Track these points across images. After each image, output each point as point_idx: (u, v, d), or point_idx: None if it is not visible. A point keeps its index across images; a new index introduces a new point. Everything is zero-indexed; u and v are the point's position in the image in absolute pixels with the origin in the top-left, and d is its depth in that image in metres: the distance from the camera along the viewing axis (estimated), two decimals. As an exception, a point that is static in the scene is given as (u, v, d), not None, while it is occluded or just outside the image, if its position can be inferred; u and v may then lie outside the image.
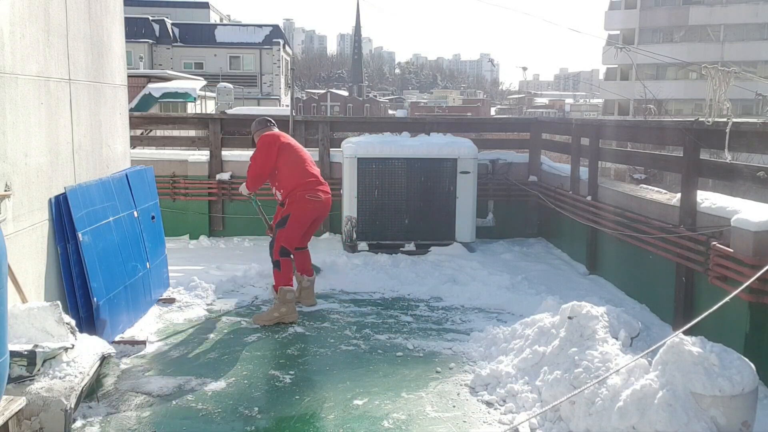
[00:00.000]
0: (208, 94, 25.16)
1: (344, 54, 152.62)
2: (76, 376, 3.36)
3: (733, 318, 4.19)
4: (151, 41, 41.25)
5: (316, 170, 5.64)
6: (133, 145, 6.97)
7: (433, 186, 7.21)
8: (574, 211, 6.93)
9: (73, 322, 3.72)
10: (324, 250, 7.23)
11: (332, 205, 7.93)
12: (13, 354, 3.19)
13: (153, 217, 5.63)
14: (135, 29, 38.16)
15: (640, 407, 3.15)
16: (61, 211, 4.20)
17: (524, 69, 79.68)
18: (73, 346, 3.51)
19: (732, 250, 4.25)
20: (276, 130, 5.70)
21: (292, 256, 5.52)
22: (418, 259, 6.89)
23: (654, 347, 3.29)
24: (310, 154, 5.80)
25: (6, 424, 2.91)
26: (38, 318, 3.53)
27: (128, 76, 5.87)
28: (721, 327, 4.27)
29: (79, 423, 3.54)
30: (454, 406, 3.85)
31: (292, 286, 5.33)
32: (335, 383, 4.12)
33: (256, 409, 3.78)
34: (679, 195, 5.17)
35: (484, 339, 4.68)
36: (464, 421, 3.68)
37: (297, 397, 3.94)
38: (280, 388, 4.07)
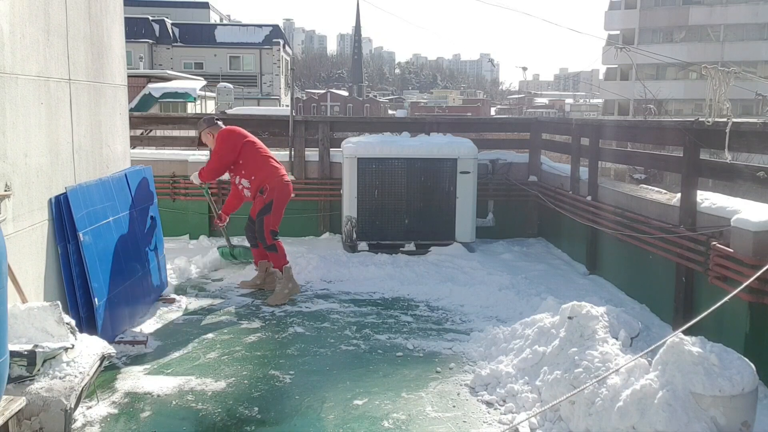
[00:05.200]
0: (208, 94, 25.16)
1: (344, 54, 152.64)
2: (76, 376, 3.36)
3: (733, 318, 4.19)
4: (151, 41, 41.26)
5: (275, 157, 6.11)
6: (133, 145, 6.97)
7: (433, 186, 7.21)
8: (574, 211, 6.93)
9: (73, 322, 3.71)
10: (324, 250, 7.23)
11: (332, 205, 8.07)
12: (13, 354, 3.19)
13: (152, 217, 5.63)
14: (135, 29, 38.17)
15: (640, 407, 3.15)
16: (61, 211, 4.20)
17: (524, 69, 79.51)
18: (73, 346, 3.51)
19: (732, 250, 4.25)
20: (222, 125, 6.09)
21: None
22: (418, 259, 6.89)
23: (654, 347, 3.29)
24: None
25: (6, 424, 2.91)
26: (38, 318, 3.52)
27: (128, 76, 5.86)
28: (721, 327, 4.27)
29: (79, 423, 3.54)
30: (454, 406, 3.85)
31: (288, 263, 5.87)
32: (335, 383, 4.12)
33: (256, 409, 3.78)
34: (679, 195, 5.17)
35: (484, 339, 4.68)
36: (464, 421, 3.68)
37: (297, 397, 3.94)
38: (280, 388, 4.07)
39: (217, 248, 6.85)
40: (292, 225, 7.75)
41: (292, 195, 6.08)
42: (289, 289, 5.76)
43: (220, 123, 6.09)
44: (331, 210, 8.18)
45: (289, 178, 6.06)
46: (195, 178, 6.04)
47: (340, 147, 7.73)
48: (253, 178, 5.87)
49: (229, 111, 19.77)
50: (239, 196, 6.16)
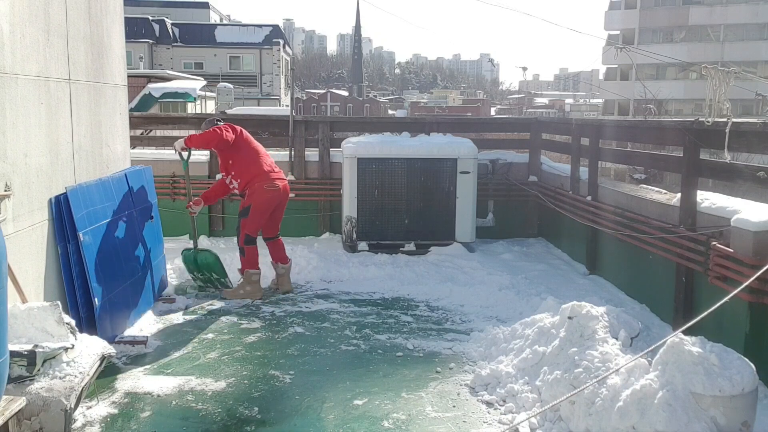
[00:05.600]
0: (208, 94, 25.14)
1: (344, 54, 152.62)
2: (76, 376, 3.36)
3: (733, 318, 4.19)
4: (151, 41, 41.25)
5: (272, 161, 5.97)
6: (133, 145, 6.97)
7: (433, 186, 7.21)
8: (574, 211, 6.93)
9: (73, 322, 3.71)
10: (324, 250, 7.23)
11: (332, 205, 8.06)
12: (13, 354, 3.19)
13: (152, 217, 5.63)
14: (135, 29, 38.16)
15: (640, 407, 3.15)
16: (61, 211, 4.20)
17: (524, 69, 79.54)
18: (73, 346, 3.51)
19: (732, 250, 4.25)
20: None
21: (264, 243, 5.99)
22: (418, 259, 6.89)
23: (654, 347, 3.29)
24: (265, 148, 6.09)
25: (6, 424, 2.91)
26: (38, 318, 3.52)
27: (128, 76, 5.86)
28: (721, 327, 4.27)
29: (79, 423, 3.54)
30: (454, 406, 3.85)
31: (257, 269, 5.82)
32: (335, 383, 4.12)
33: (256, 409, 3.78)
34: (679, 195, 5.17)
35: (484, 339, 4.68)
36: (464, 421, 3.68)
37: (297, 397, 3.94)
38: (280, 388, 4.07)
39: (182, 252, 6.05)
40: (292, 225, 7.75)
41: (292, 195, 6.05)
42: (245, 292, 5.75)
43: (220, 123, 6.03)
44: (331, 210, 8.18)
45: (286, 181, 5.97)
46: (179, 143, 5.61)
47: (340, 147, 7.73)
48: (239, 180, 5.80)
49: (229, 111, 19.75)
50: (224, 189, 6.00)
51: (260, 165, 5.78)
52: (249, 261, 5.81)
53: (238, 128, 5.87)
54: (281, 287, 6.03)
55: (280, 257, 6.07)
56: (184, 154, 5.78)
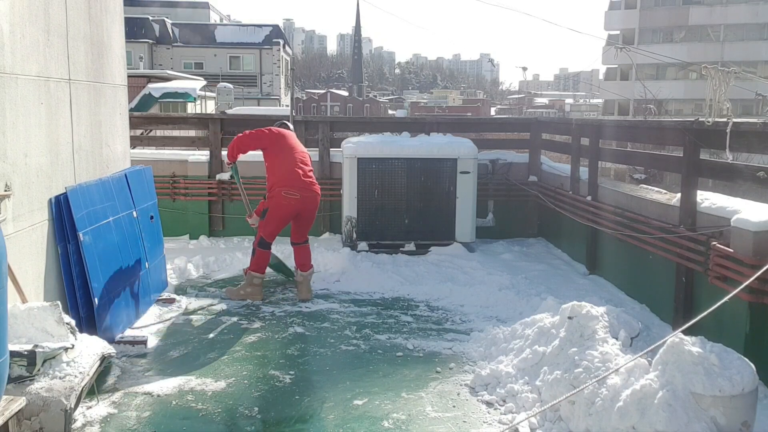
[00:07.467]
0: (208, 94, 25.14)
1: (344, 54, 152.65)
2: (76, 376, 3.36)
3: (733, 318, 4.19)
4: (151, 41, 41.27)
5: (305, 168, 5.77)
6: (133, 145, 6.96)
7: (433, 186, 7.20)
8: (574, 211, 6.93)
9: (73, 322, 3.72)
10: (324, 250, 7.23)
11: (332, 205, 8.06)
12: (13, 354, 3.19)
13: (152, 217, 5.63)
14: (135, 29, 38.18)
15: (640, 407, 3.15)
16: (61, 211, 4.20)
17: (524, 69, 79.62)
18: (73, 346, 3.51)
19: (732, 250, 4.25)
20: (287, 130, 6.00)
21: (284, 248, 6.09)
22: (418, 259, 6.89)
23: (654, 347, 3.29)
24: (309, 155, 6.02)
25: (6, 424, 2.91)
26: (38, 318, 3.53)
27: (128, 76, 5.86)
28: (721, 327, 4.27)
29: (79, 423, 3.54)
30: (454, 406, 3.85)
31: (262, 274, 5.80)
32: (335, 383, 4.12)
33: (256, 409, 3.78)
34: (679, 195, 5.17)
35: (484, 339, 4.68)
36: (464, 421, 3.68)
37: (297, 397, 3.94)
38: (280, 388, 4.07)
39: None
40: (292, 225, 7.75)
41: (307, 206, 5.79)
42: (246, 293, 5.75)
43: (285, 126, 6.10)
44: (331, 210, 8.18)
45: (317, 189, 5.79)
46: (225, 158, 6.12)
47: (340, 147, 7.73)
48: (268, 182, 5.77)
49: (229, 111, 19.77)
50: None
51: (288, 170, 5.64)
52: (255, 263, 5.78)
53: (278, 131, 5.78)
54: (299, 295, 5.84)
55: (302, 264, 5.91)
56: (231, 167, 6.10)
